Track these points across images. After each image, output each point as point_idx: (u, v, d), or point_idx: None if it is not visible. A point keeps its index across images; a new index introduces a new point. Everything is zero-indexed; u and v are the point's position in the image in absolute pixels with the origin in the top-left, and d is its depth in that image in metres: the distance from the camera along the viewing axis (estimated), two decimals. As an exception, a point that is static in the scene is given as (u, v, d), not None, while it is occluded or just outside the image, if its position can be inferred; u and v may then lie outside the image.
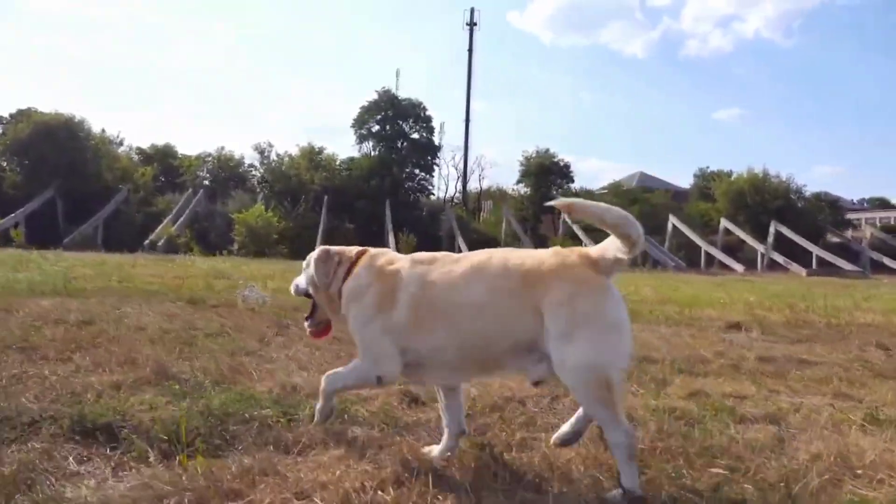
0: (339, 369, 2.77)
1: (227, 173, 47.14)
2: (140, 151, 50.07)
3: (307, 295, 2.96)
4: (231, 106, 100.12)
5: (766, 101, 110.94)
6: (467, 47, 54.35)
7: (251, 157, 49.96)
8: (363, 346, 2.63)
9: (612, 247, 2.36)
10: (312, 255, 2.91)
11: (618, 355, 2.30)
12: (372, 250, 2.86)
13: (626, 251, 2.31)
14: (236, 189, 43.61)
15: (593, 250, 2.40)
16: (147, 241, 31.94)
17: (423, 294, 2.53)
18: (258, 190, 44.88)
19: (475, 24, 54.37)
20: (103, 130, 45.59)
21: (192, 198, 39.98)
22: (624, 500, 2.24)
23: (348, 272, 2.76)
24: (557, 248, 2.51)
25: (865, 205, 66.59)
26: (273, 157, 48.90)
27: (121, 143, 48.95)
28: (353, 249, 2.88)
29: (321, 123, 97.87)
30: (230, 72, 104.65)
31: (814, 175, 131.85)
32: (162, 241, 32.21)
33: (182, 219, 36.69)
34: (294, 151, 47.06)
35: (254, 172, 49.40)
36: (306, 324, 3.03)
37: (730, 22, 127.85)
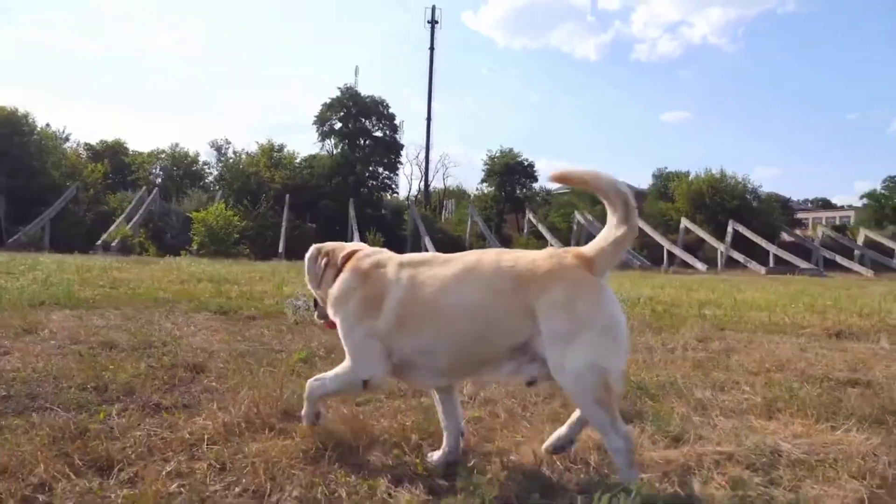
0: (325, 374, 2.58)
1: (181, 171, 44.73)
2: (89, 147, 46.97)
3: None
4: (186, 101, 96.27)
5: (710, 105, 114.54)
6: (428, 45, 53.53)
7: (207, 154, 47.83)
8: (350, 350, 2.50)
9: (607, 235, 2.28)
10: (307, 255, 2.84)
11: (617, 356, 2.21)
12: (360, 252, 2.68)
13: (622, 227, 2.24)
14: (192, 187, 41.40)
15: (588, 249, 2.32)
16: (100, 242, 29.80)
17: (411, 296, 2.41)
18: (215, 188, 42.75)
19: (437, 23, 53.61)
20: (48, 125, 42.64)
21: (146, 196, 37.66)
22: None
23: (336, 275, 2.65)
24: (553, 249, 2.40)
25: (809, 205, 69.68)
26: (230, 154, 46.92)
27: (66, 139, 45.84)
28: (344, 251, 2.72)
29: (279, 121, 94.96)
30: (184, 66, 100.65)
31: (757, 176, 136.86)
32: (116, 241, 30.10)
33: (136, 218, 34.44)
34: (252, 148, 45.24)
35: (209, 170, 47.23)
36: (315, 316, 2.96)
37: (678, 27, 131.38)
